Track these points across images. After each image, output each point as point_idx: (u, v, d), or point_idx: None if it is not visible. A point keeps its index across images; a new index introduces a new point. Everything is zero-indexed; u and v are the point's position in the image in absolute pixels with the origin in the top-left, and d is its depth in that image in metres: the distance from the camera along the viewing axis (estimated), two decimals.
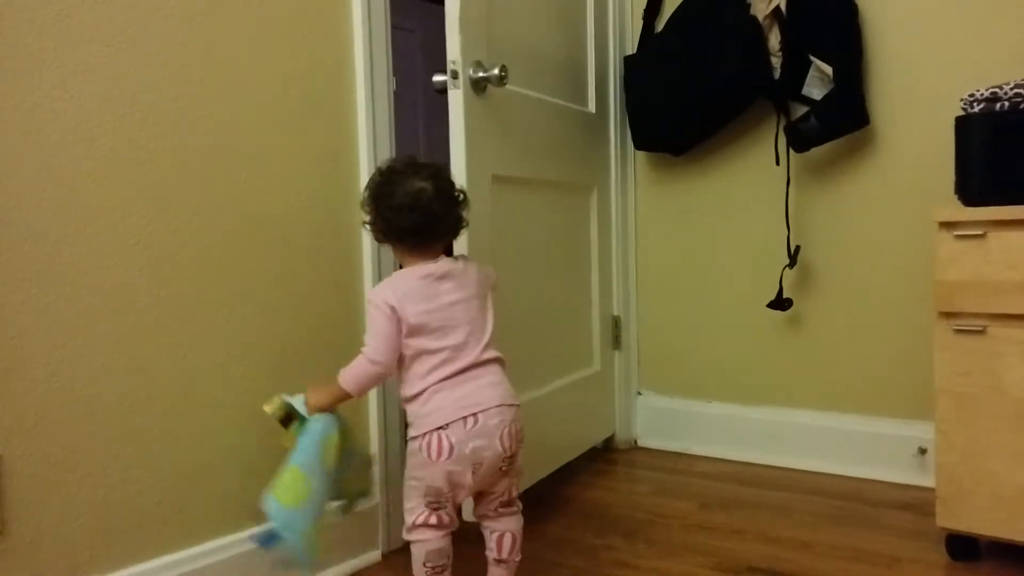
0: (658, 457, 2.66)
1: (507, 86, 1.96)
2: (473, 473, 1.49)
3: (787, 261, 2.40)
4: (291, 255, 1.75)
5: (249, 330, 1.67)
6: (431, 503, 1.52)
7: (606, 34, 2.65)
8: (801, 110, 2.33)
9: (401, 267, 1.58)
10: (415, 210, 1.50)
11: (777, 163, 2.40)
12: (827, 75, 2.26)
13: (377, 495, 1.91)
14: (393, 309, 1.47)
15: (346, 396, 1.53)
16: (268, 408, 1.53)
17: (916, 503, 2.14)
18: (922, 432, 2.21)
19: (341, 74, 1.84)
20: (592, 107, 2.58)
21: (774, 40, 2.34)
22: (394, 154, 1.94)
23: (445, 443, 1.47)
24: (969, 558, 1.80)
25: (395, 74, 1.95)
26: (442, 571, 1.57)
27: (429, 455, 1.47)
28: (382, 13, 1.90)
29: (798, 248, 2.41)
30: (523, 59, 2.17)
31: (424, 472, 1.50)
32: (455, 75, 1.81)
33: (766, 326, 2.54)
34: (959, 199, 1.82)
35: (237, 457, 1.65)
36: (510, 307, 2.02)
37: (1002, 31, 2.14)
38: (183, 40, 1.56)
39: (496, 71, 1.86)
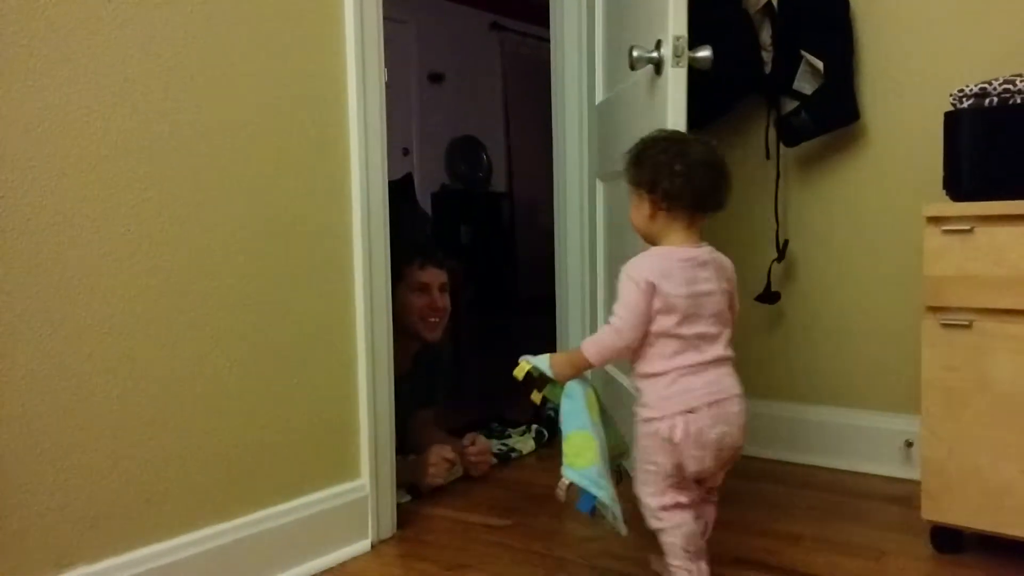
0: None
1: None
2: (714, 459, 1.49)
3: (775, 255, 2.40)
4: (281, 247, 1.75)
5: (238, 322, 1.67)
6: (675, 483, 1.50)
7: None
8: (792, 104, 2.33)
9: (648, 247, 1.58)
10: (712, 166, 1.52)
11: (768, 157, 2.40)
12: (818, 70, 2.27)
13: (367, 485, 1.91)
14: (651, 286, 1.46)
15: (588, 366, 1.53)
16: (517, 373, 1.57)
17: (902, 496, 2.15)
18: (909, 425, 2.22)
19: (332, 66, 1.84)
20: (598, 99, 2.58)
21: (765, 35, 2.35)
22: (386, 147, 1.94)
23: (692, 427, 1.46)
24: (953, 550, 1.82)
25: (387, 66, 1.95)
26: (698, 558, 1.52)
27: (672, 438, 1.46)
28: (374, 4, 1.90)
29: (787, 242, 2.42)
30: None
31: (664, 456, 1.48)
32: (679, 52, 1.72)
33: (755, 319, 2.54)
34: (947, 194, 1.82)
35: (224, 449, 1.65)
36: None
37: (991, 27, 2.14)
38: (172, 31, 1.55)
39: (707, 52, 1.78)
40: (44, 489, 1.39)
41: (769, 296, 2.42)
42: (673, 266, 1.49)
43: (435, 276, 2.41)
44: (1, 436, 1.34)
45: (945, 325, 1.75)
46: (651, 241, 1.58)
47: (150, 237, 1.53)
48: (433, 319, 2.39)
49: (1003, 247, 1.68)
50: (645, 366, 1.51)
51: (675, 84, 1.78)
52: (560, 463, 1.53)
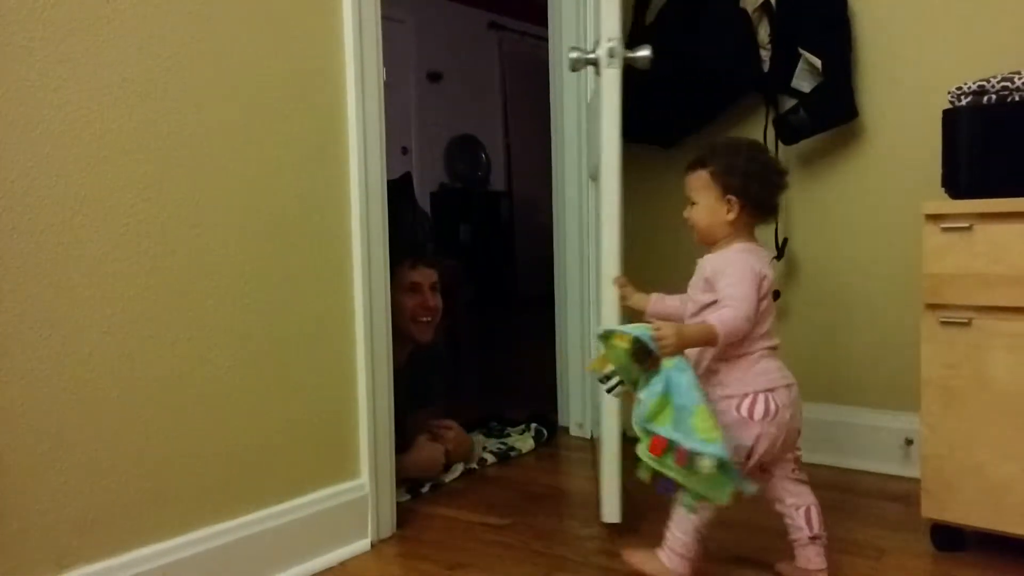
0: None
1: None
2: (784, 440, 1.60)
3: (774, 253, 2.41)
4: (280, 246, 1.75)
5: (237, 322, 1.67)
6: (744, 470, 1.55)
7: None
8: (790, 103, 2.33)
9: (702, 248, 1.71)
10: (783, 178, 1.69)
11: None
12: (816, 68, 2.27)
13: (367, 484, 1.91)
14: (763, 279, 1.59)
15: (712, 341, 1.54)
16: (625, 345, 1.53)
17: (902, 494, 2.15)
18: (909, 423, 2.22)
19: (331, 65, 1.84)
20: (588, 97, 2.58)
21: (763, 33, 2.35)
22: (384, 146, 1.94)
23: (772, 405, 1.57)
24: (954, 548, 1.82)
25: (386, 65, 1.95)
26: (700, 541, 1.65)
27: (751, 415, 1.56)
28: (373, 3, 1.89)
29: (786, 240, 2.42)
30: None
31: (737, 432, 1.55)
32: (612, 53, 1.80)
33: None
34: (946, 192, 1.82)
35: (224, 448, 1.65)
36: None
37: (990, 24, 2.14)
38: (171, 32, 1.55)
39: (646, 52, 1.85)
40: (44, 489, 1.39)
41: None
42: (764, 259, 1.64)
43: (426, 275, 2.40)
44: (2, 435, 1.34)
45: (944, 323, 1.75)
46: (712, 240, 1.68)
47: (149, 237, 1.53)
48: (424, 319, 2.39)
49: (1002, 245, 1.68)
50: (732, 349, 1.58)
51: (609, 85, 1.81)
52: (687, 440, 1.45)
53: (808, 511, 1.66)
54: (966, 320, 1.73)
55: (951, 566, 1.77)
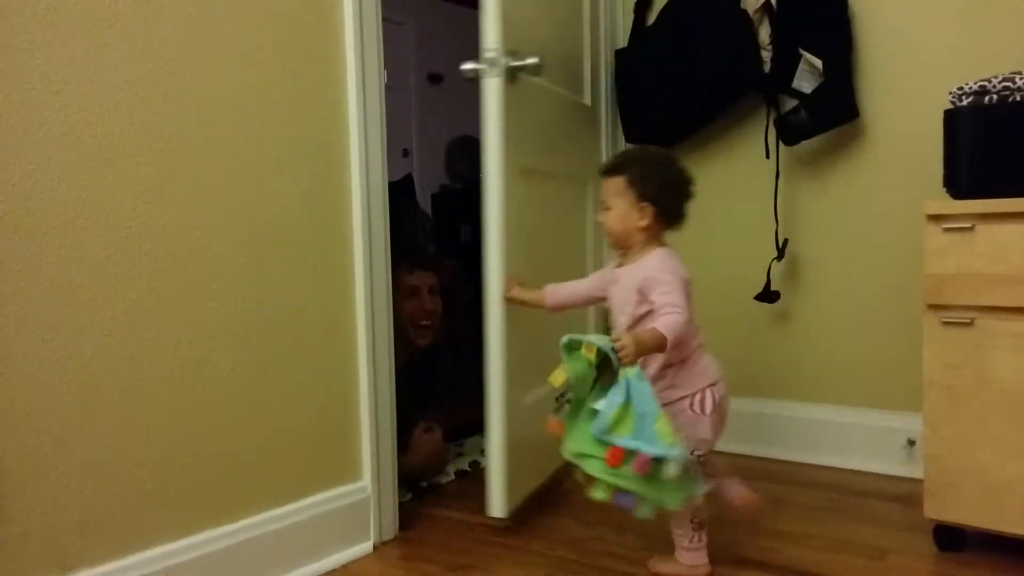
0: None
1: (534, 79, 2.00)
2: (723, 425, 1.72)
3: (775, 253, 2.40)
4: (282, 249, 1.75)
5: (238, 324, 1.67)
6: (699, 457, 1.65)
7: (597, 27, 2.66)
8: (791, 103, 2.33)
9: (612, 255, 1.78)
10: (692, 185, 1.77)
11: (767, 156, 2.40)
12: (817, 68, 2.27)
13: (369, 486, 1.91)
14: (689, 282, 1.68)
15: (663, 346, 1.56)
16: (591, 357, 1.53)
17: (905, 494, 2.15)
18: (911, 424, 2.22)
19: (332, 67, 1.84)
20: (588, 100, 2.59)
21: (764, 33, 2.35)
22: (386, 148, 1.94)
23: (717, 396, 1.69)
24: (956, 549, 1.82)
25: (386, 67, 1.95)
26: (702, 527, 1.72)
27: (703, 410, 1.67)
28: (373, 5, 1.90)
29: (786, 241, 2.41)
30: (540, 51, 2.12)
31: (693, 428, 1.65)
32: (492, 63, 1.82)
33: (756, 318, 2.54)
34: (948, 192, 1.82)
35: (226, 451, 1.65)
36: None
37: (991, 25, 2.14)
38: (172, 34, 1.55)
39: (535, 59, 1.88)
40: (46, 492, 1.39)
41: (768, 295, 2.41)
42: (683, 263, 1.71)
43: (424, 279, 2.40)
44: (4, 438, 1.34)
45: (946, 323, 1.75)
46: (627, 244, 1.74)
47: (150, 239, 1.53)
48: (423, 323, 2.38)
49: (1004, 245, 1.68)
50: (677, 353, 1.65)
51: (489, 95, 1.84)
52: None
53: (716, 464, 1.76)
54: (968, 320, 1.72)
55: (953, 566, 1.77)
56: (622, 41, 2.70)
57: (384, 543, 1.94)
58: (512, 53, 1.87)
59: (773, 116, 2.37)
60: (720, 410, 1.70)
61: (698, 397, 1.67)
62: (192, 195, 1.59)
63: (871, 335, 2.37)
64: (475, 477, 2.40)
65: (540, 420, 1.65)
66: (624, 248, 1.75)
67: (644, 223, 1.71)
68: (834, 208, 2.41)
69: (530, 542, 1.93)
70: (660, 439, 1.45)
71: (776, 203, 2.40)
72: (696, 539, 1.72)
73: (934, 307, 1.77)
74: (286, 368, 1.76)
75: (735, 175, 2.56)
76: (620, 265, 1.77)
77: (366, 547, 1.90)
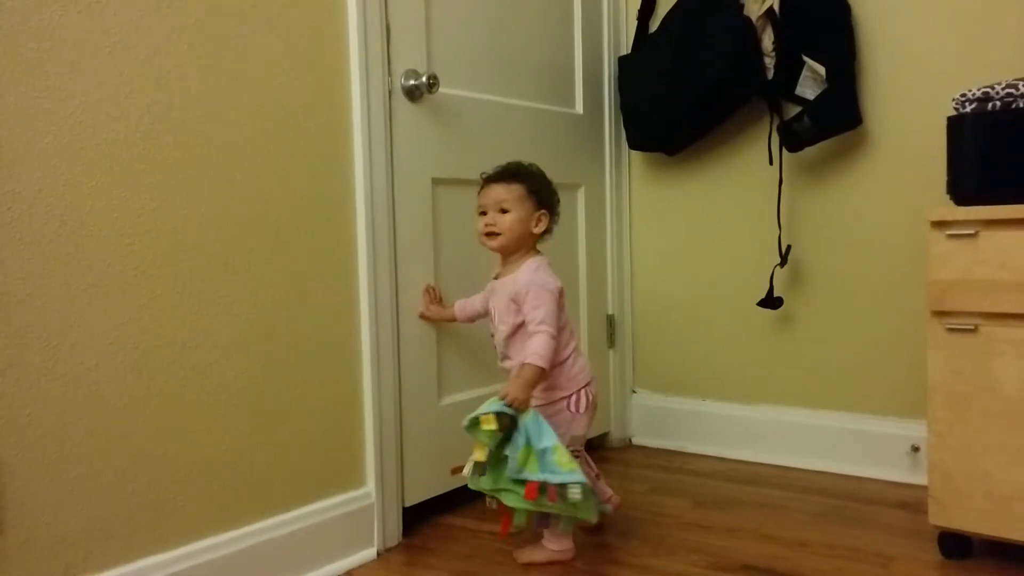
0: (653, 455, 2.67)
1: (457, 91, 2.12)
2: (593, 421, 1.90)
3: (778, 260, 2.40)
4: (287, 256, 1.75)
5: (243, 331, 1.68)
6: (575, 452, 1.79)
7: (600, 34, 2.67)
8: (794, 110, 2.34)
9: (498, 263, 1.91)
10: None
11: (770, 163, 2.40)
12: (820, 75, 2.27)
13: (372, 492, 1.91)
14: (561, 292, 1.82)
15: (543, 375, 1.75)
16: (492, 427, 1.67)
17: (909, 501, 2.15)
18: (915, 430, 2.22)
19: (336, 74, 1.84)
20: (579, 108, 2.60)
21: (767, 40, 2.35)
22: (389, 156, 1.94)
23: (590, 396, 1.86)
24: (961, 556, 1.81)
25: (391, 74, 1.96)
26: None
27: (578, 409, 1.84)
28: (377, 11, 1.90)
29: (789, 247, 2.41)
30: (482, 64, 2.25)
31: (567, 427, 1.82)
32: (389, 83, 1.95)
33: (760, 325, 2.54)
34: (951, 198, 1.82)
35: (230, 457, 1.66)
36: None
37: (994, 31, 2.14)
38: (176, 42, 1.56)
39: (424, 79, 1.98)
40: (52, 498, 1.40)
41: (771, 301, 2.41)
42: (553, 272, 1.86)
43: None
44: (9, 445, 1.34)
45: (950, 329, 1.75)
46: (515, 248, 1.86)
47: (156, 248, 1.53)
48: None
49: (1008, 251, 1.68)
50: (555, 359, 1.79)
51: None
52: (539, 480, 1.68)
53: (586, 460, 1.95)
54: (972, 327, 1.72)
55: (959, 574, 1.76)
56: (625, 48, 2.70)
57: (388, 549, 1.94)
58: (410, 72, 1.98)
59: (776, 123, 2.37)
60: (592, 407, 1.87)
61: (574, 398, 1.84)
62: (197, 203, 1.59)
63: (875, 341, 2.37)
64: None
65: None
66: (511, 252, 1.87)
67: (539, 230, 1.86)
68: (837, 214, 2.41)
69: None
70: (561, 468, 1.66)
71: (779, 209, 2.40)
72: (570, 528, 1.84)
73: (938, 313, 1.76)
74: (290, 375, 1.76)
75: (738, 181, 2.57)
76: (497, 276, 1.90)
77: (370, 553, 1.90)
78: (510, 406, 1.67)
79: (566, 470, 1.65)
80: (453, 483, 2.17)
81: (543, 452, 1.66)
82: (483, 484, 1.74)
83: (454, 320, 2.06)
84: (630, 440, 2.80)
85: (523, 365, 1.73)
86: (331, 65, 1.83)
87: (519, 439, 1.68)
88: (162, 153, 1.54)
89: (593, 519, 1.78)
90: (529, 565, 1.83)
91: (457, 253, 2.14)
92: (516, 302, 1.81)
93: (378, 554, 1.91)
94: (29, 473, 1.37)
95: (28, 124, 1.36)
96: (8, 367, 1.34)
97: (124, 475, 1.49)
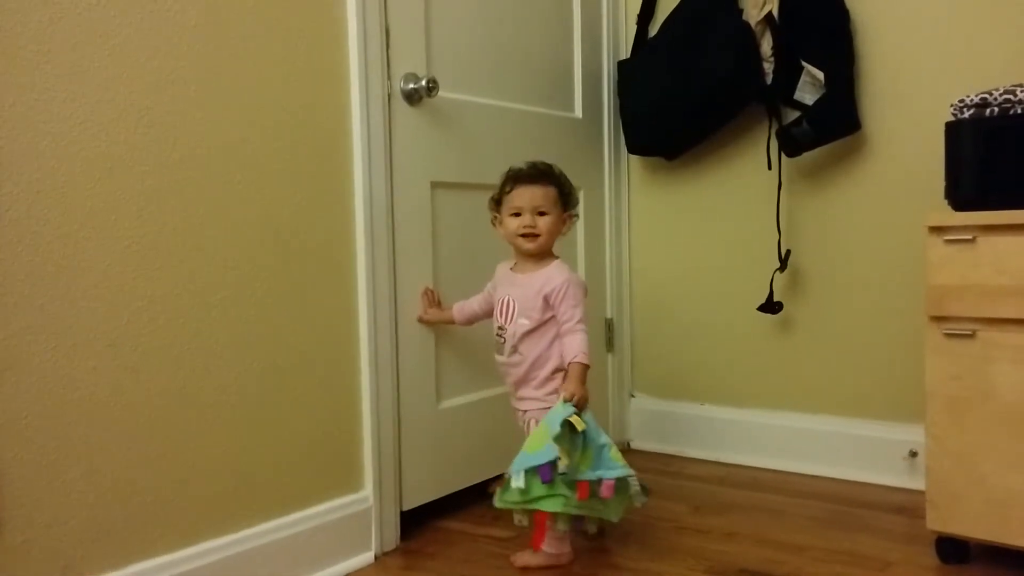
0: (651, 459, 2.67)
1: (456, 95, 2.12)
2: None
3: (778, 265, 2.41)
4: (285, 259, 1.76)
5: (242, 332, 1.68)
6: None
7: (599, 38, 2.67)
8: (793, 115, 2.34)
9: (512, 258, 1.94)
10: None
11: (769, 167, 2.41)
12: (819, 80, 2.27)
13: (370, 496, 1.91)
14: (587, 292, 1.88)
15: (586, 372, 1.80)
16: (584, 426, 1.72)
17: (907, 506, 2.15)
18: (913, 435, 2.22)
19: (336, 76, 1.84)
20: (579, 112, 2.61)
21: (766, 45, 2.36)
22: (388, 158, 1.95)
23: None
24: (959, 561, 1.81)
25: (390, 76, 1.96)
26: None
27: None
28: (377, 13, 1.90)
29: (788, 252, 2.42)
30: (482, 68, 2.26)
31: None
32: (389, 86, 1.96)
33: (758, 329, 2.54)
34: (949, 204, 1.83)
35: (228, 461, 1.65)
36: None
37: (992, 37, 2.15)
38: (176, 44, 1.56)
39: (424, 83, 1.98)
40: (49, 501, 1.39)
41: (771, 306, 2.42)
42: None
43: None
44: (7, 447, 1.34)
45: (948, 335, 1.75)
46: (546, 250, 1.89)
47: (154, 250, 1.53)
48: None
49: (1005, 256, 1.68)
50: (562, 359, 1.83)
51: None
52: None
53: None
54: (970, 332, 1.72)
55: None
56: (625, 52, 2.71)
57: (386, 553, 1.93)
58: (409, 75, 1.98)
59: (775, 128, 2.37)
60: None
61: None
62: (196, 206, 1.60)
63: (873, 346, 2.37)
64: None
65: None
66: (541, 254, 1.88)
67: (566, 231, 1.93)
68: (836, 219, 2.41)
69: None
70: (617, 463, 1.74)
71: (778, 214, 2.41)
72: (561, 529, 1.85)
73: (936, 319, 1.77)
74: (289, 378, 1.76)
75: (737, 186, 2.57)
76: (515, 269, 1.93)
77: (367, 557, 1.90)
78: (576, 405, 1.72)
79: (622, 464, 1.74)
80: (451, 487, 2.17)
81: (600, 448, 1.73)
82: (509, 498, 1.72)
83: (452, 323, 2.07)
84: (628, 444, 2.80)
85: (571, 364, 1.79)
86: (331, 68, 1.84)
87: (579, 439, 1.71)
88: (161, 155, 1.54)
89: (616, 519, 1.83)
90: (527, 569, 1.83)
91: (456, 256, 2.14)
92: (548, 299, 1.83)
93: (376, 558, 1.91)
94: (27, 474, 1.37)
95: (28, 125, 1.36)
96: (7, 368, 1.34)
97: (122, 477, 1.49)
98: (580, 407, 1.73)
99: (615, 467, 1.74)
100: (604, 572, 1.83)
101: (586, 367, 1.79)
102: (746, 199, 2.55)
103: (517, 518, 1.81)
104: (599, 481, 1.72)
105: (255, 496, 1.70)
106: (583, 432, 1.71)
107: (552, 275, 1.85)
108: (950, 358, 1.75)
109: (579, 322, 1.81)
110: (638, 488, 1.78)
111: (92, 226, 1.44)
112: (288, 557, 1.73)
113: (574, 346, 1.80)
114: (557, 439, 1.67)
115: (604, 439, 1.75)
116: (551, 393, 1.83)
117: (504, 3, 2.33)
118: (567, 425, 1.68)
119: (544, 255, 1.89)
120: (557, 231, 1.89)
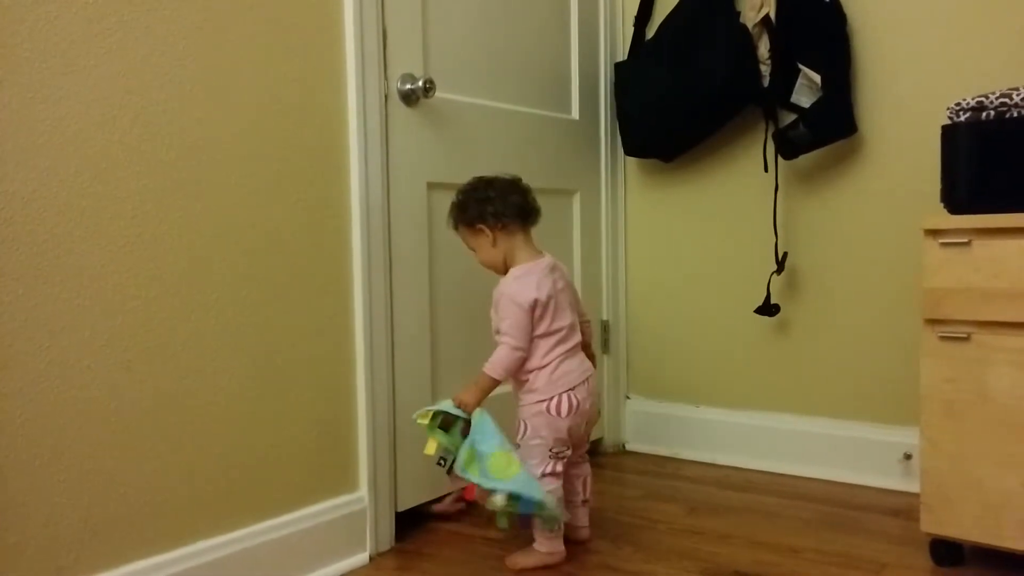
0: (646, 461, 2.67)
1: (453, 96, 2.13)
2: (587, 424, 1.89)
3: (775, 267, 2.41)
4: (281, 259, 1.75)
5: (238, 333, 1.67)
6: (557, 453, 1.83)
7: (596, 40, 2.67)
8: (790, 118, 2.34)
9: (503, 267, 1.89)
10: (516, 184, 1.88)
11: (766, 170, 2.41)
12: (816, 83, 2.28)
13: (365, 497, 1.91)
14: (533, 303, 1.80)
15: (495, 384, 1.81)
16: (423, 420, 1.77)
17: (902, 508, 2.15)
18: (908, 437, 2.22)
19: (332, 76, 1.84)
20: (575, 114, 2.61)
21: (763, 48, 2.36)
22: (385, 159, 1.95)
23: (574, 401, 1.83)
24: (954, 564, 1.82)
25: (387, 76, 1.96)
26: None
27: (559, 412, 1.82)
28: (374, 13, 1.90)
29: (785, 254, 2.42)
30: (479, 69, 2.26)
31: (550, 429, 1.82)
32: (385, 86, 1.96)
33: (755, 331, 2.55)
34: (945, 207, 1.83)
35: (223, 460, 1.65)
36: (458, 308, 2.18)
37: (988, 41, 2.15)
38: (172, 44, 1.56)
39: (421, 83, 1.99)
40: (43, 500, 1.39)
41: (768, 308, 2.42)
42: (540, 277, 1.84)
43: None
44: (1, 446, 1.34)
45: (944, 338, 1.75)
46: (503, 268, 1.88)
47: (149, 249, 1.53)
48: None
49: (1001, 260, 1.68)
50: (533, 362, 1.83)
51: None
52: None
53: (584, 480, 1.96)
54: (965, 335, 1.73)
55: None
56: (622, 54, 2.71)
57: (380, 554, 1.93)
58: (406, 76, 1.98)
59: (772, 130, 2.38)
60: (580, 412, 1.84)
61: (555, 400, 1.82)
62: (191, 205, 1.59)
63: (869, 348, 2.37)
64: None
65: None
66: (505, 270, 1.89)
67: (498, 244, 1.86)
68: (833, 222, 2.41)
69: None
70: (492, 474, 1.72)
71: (775, 217, 2.41)
72: (555, 527, 1.86)
73: (932, 321, 1.77)
74: (284, 378, 1.76)
75: (734, 189, 2.57)
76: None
77: (362, 558, 1.90)
78: (458, 407, 1.77)
79: (497, 477, 1.71)
80: (446, 488, 2.16)
81: (481, 456, 1.73)
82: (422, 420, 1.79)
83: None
84: (624, 446, 2.80)
85: (480, 372, 1.81)
86: (327, 68, 1.83)
87: (468, 439, 1.75)
88: (157, 155, 1.54)
89: (560, 518, 1.84)
90: (521, 571, 1.83)
91: (452, 257, 2.14)
92: (495, 309, 1.87)
93: (371, 558, 1.91)
94: (22, 474, 1.36)
95: (23, 124, 1.36)
96: (1, 367, 1.34)
97: (116, 477, 1.49)
98: (462, 409, 1.77)
99: (488, 478, 1.71)
100: (598, 573, 1.83)
101: (493, 380, 1.80)
102: (743, 201, 2.55)
103: (499, 523, 1.81)
104: (480, 488, 1.73)
105: (250, 496, 1.70)
106: (472, 433, 1.75)
107: (502, 284, 1.87)
108: (945, 361, 1.75)
109: (504, 335, 1.81)
110: (499, 504, 1.71)
111: (87, 226, 1.44)
112: (283, 557, 1.73)
113: (492, 356, 1.81)
114: (429, 428, 1.77)
115: (487, 448, 1.73)
116: (527, 392, 1.85)
117: (501, 4, 2.33)
118: (439, 416, 1.77)
119: (509, 264, 1.89)
120: (493, 255, 1.88)
